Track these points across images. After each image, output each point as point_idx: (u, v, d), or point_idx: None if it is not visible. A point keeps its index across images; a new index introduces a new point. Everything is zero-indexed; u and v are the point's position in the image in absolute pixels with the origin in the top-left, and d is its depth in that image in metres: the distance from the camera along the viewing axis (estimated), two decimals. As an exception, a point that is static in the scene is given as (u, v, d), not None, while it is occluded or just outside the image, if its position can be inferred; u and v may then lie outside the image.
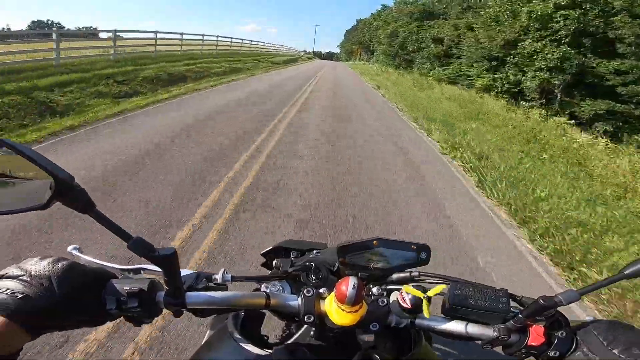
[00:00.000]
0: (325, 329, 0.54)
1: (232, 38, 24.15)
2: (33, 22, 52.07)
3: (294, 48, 59.75)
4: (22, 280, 0.43)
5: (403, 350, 0.61)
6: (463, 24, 23.84)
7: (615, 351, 0.47)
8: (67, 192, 0.42)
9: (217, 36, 21.48)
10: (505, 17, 20.49)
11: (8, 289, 0.42)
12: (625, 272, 0.48)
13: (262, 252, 0.79)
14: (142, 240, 0.46)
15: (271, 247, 0.77)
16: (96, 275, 0.49)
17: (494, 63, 20.19)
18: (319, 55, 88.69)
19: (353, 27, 78.68)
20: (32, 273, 0.44)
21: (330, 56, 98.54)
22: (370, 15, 59.49)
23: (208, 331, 0.82)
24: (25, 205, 0.45)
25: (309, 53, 78.25)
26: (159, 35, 14.80)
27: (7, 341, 0.41)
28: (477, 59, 20.85)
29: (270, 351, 0.56)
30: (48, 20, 53.27)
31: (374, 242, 0.61)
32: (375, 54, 42.46)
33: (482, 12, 22.39)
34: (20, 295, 0.42)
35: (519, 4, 20.24)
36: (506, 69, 18.90)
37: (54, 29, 12.01)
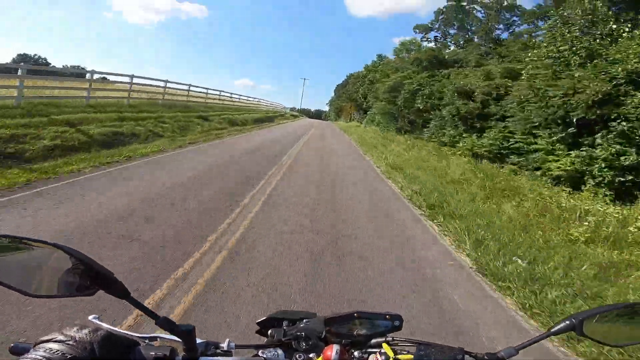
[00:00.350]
0: None
1: (164, 83, 16.16)
2: (19, 55, 46.42)
3: (280, 104, 53.80)
4: (68, 344, 0.52)
5: None
6: (500, 72, 16.02)
7: None
8: (108, 283, 0.56)
9: (144, 78, 13.37)
10: (578, 57, 12.78)
11: (58, 350, 0.50)
12: (552, 330, 0.60)
13: (257, 321, 0.85)
14: (167, 319, 0.59)
15: (265, 317, 0.84)
16: (124, 342, 0.59)
17: (571, 129, 11.98)
18: (306, 113, 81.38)
19: (344, 81, 72.25)
20: (77, 339, 0.53)
21: (319, 114, 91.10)
22: (363, 67, 51.92)
23: None
24: (74, 292, 0.58)
25: (297, 110, 72.14)
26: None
27: None
28: (540, 122, 12.68)
29: None
30: (35, 55, 48.10)
31: (355, 314, 0.74)
32: (369, 113, 34.50)
33: (530, 53, 14.72)
34: (69, 356, 0.50)
35: (599, 40, 12.64)
36: (603, 142, 10.58)
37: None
